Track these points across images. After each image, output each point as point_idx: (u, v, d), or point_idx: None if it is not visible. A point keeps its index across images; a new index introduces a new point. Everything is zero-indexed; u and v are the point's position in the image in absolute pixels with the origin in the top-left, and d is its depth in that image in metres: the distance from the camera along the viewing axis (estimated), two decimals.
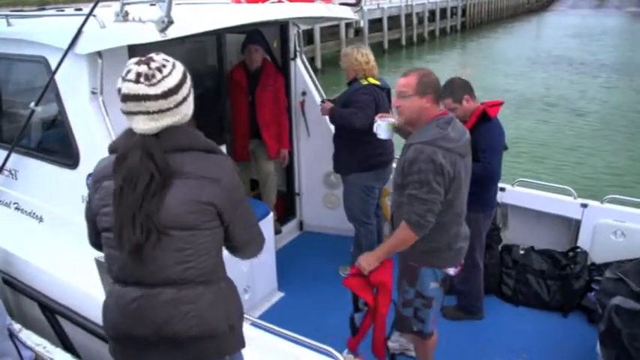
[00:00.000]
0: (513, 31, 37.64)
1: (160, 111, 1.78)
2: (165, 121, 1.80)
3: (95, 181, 1.94)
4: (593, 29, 36.22)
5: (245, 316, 2.23)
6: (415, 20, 30.65)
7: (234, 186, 1.91)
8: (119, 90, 1.81)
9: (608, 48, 27.88)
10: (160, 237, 1.78)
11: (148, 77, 1.76)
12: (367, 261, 2.91)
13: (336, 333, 2.73)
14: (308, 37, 21.59)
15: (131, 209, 1.75)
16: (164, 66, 1.80)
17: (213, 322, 1.89)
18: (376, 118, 3.34)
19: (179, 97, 1.82)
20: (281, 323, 2.71)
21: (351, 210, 4.48)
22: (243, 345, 2.08)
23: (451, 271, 2.97)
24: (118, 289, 1.91)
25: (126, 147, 1.81)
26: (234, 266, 2.74)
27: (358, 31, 25.64)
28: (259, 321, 2.74)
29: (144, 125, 1.79)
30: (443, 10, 34.39)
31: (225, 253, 2.06)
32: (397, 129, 3.22)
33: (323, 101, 4.60)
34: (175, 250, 1.81)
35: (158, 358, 1.89)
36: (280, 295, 4.34)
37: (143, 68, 1.77)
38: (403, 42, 29.22)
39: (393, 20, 28.55)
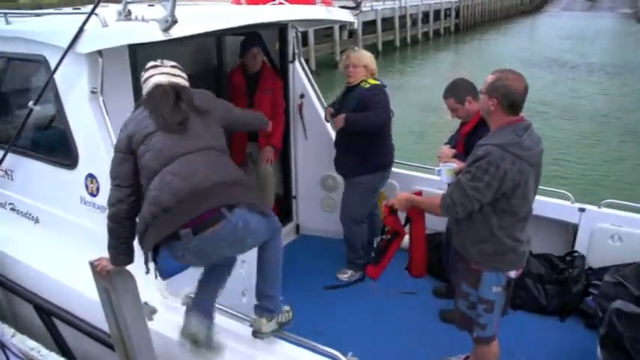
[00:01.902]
0: (506, 33, 37.87)
1: (171, 74, 2.65)
2: (177, 80, 2.64)
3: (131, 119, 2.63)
4: (586, 31, 36.48)
5: None
6: (409, 22, 30.71)
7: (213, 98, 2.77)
8: (145, 71, 2.67)
9: (601, 50, 28.09)
10: (195, 115, 2.52)
11: (162, 61, 2.70)
12: (401, 201, 3.21)
13: (334, 336, 2.72)
14: (302, 39, 21.51)
15: (168, 107, 2.48)
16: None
17: (226, 173, 2.46)
18: (439, 163, 3.41)
19: (183, 75, 2.71)
20: None
21: (353, 210, 4.48)
22: (247, 200, 2.46)
23: (512, 274, 2.97)
24: (166, 171, 2.36)
25: (149, 89, 2.60)
26: (233, 270, 2.76)
27: (352, 33, 25.58)
28: None
29: (162, 78, 2.60)
30: (437, 12, 34.45)
31: None
32: (458, 172, 3.25)
33: (331, 113, 4.44)
34: (207, 127, 2.53)
35: (212, 200, 2.33)
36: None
37: (158, 61, 2.71)
38: (397, 43, 29.27)
39: (387, 22, 28.57)
